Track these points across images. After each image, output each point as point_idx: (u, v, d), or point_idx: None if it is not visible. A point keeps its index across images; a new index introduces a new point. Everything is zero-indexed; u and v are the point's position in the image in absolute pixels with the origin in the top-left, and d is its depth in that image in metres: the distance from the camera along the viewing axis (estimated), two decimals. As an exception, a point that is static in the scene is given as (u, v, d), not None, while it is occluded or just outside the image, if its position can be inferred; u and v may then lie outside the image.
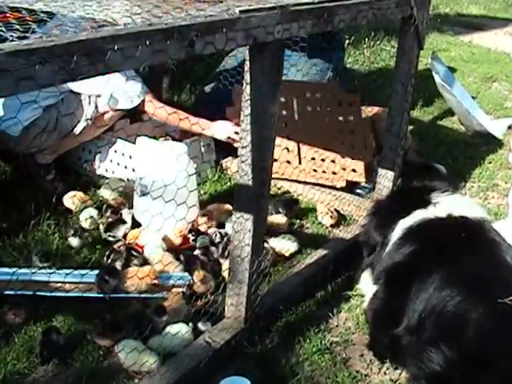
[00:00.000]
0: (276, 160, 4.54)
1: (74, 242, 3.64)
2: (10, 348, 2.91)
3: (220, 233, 3.78)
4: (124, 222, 3.84)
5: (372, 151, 4.41)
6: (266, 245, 3.67)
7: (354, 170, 4.43)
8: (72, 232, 3.65)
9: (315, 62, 5.38)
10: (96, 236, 3.81)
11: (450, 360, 2.43)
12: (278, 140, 4.41)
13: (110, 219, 3.87)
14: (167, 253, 3.57)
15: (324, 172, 4.49)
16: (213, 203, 4.16)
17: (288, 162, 4.59)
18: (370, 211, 3.46)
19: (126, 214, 3.89)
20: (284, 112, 4.47)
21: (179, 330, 3.01)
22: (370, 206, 3.67)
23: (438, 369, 2.46)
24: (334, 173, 4.46)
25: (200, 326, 3.08)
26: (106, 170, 4.47)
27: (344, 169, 4.45)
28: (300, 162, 4.57)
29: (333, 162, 4.48)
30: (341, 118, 4.35)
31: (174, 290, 3.31)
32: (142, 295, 3.29)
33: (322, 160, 4.49)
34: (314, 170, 4.53)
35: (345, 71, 6.23)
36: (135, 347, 2.82)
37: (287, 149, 4.56)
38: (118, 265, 3.43)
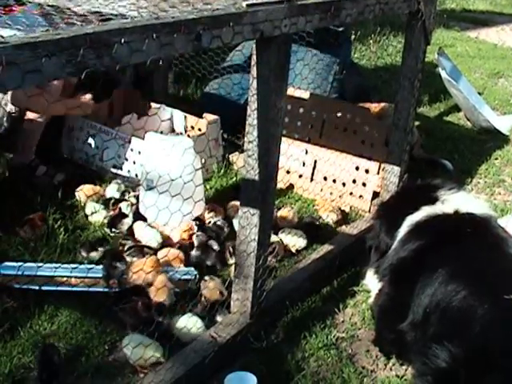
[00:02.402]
0: (288, 172, 4.57)
1: (94, 254, 3.53)
2: (15, 342, 2.91)
3: (215, 223, 3.80)
4: (126, 216, 3.84)
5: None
6: (276, 238, 3.69)
7: (360, 196, 4.38)
8: (89, 246, 3.57)
9: (322, 57, 5.37)
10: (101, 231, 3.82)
11: (455, 356, 2.42)
12: (297, 152, 4.51)
13: (111, 213, 3.89)
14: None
15: (331, 194, 4.47)
16: (219, 198, 4.17)
17: (300, 175, 4.57)
18: (377, 214, 3.43)
19: (124, 207, 3.90)
20: (310, 126, 4.71)
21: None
22: (376, 208, 3.64)
23: (444, 365, 2.45)
24: (340, 196, 4.44)
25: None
26: (115, 166, 4.46)
27: (351, 193, 4.41)
28: (312, 179, 4.55)
29: (343, 184, 4.44)
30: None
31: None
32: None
33: (333, 181, 4.47)
34: (321, 190, 4.51)
35: (352, 66, 6.21)
36: (141, 342, 2.82)
37: (304, 163, 4.55)
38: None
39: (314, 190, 4.48)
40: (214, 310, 3.10)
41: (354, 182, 4.37)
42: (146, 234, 3.69)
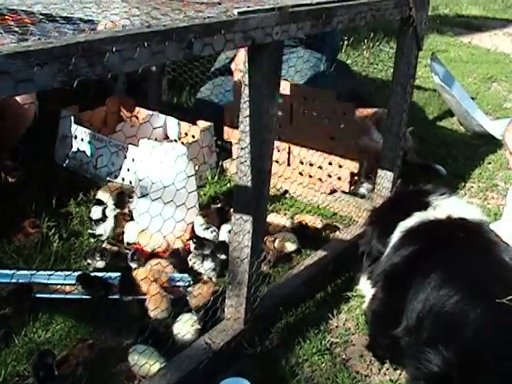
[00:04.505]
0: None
1: (100, 264, 3.52)
2: (10, 350, 2.91)
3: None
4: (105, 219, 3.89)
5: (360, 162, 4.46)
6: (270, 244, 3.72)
7: (339, 178, 4.46)
8: (97, 255, 3.54)
9: (307, 58, 5.32)
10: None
11: (448, 360, 2.43)
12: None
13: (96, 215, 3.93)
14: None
15: (310, 177, 4.53)
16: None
17: (277, 161, 4.59)
18: (369, 219, 3.44)
19: (109, 211, 3.92)
20: (280, 113, 4.55)
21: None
22: (368, 214, 3.65)
23: (437, 369, 2.46)
24: (319, 179, 4.51)
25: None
26: (109, 174, 4.46)
27: (330, 175, 4.48)
28: (289, 164, 4.60)
29: (319, 168, 4.51)
30: (333, 124, 4.45)
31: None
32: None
33: (310, 165, 4.52)
34: (300, 174, 4.56)
35: (347, 70, 6.22)
36: (144, 350, 2.82)
37: (277, 149, 4.57)
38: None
39: (292, 175, 4.55)
40: (207, 316, 3.10)
41: (330, 164, 4.45)
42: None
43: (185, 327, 3.02)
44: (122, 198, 4.10)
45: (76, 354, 2.82)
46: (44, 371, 2.72)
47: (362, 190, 4.58)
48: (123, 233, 3.84)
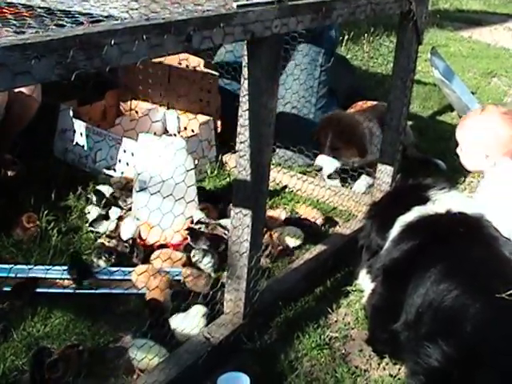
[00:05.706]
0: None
1: (101, 263, 3.50)
2: (8, 344, 2.91)
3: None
4: (107, 218, 3.87)
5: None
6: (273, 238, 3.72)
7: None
8: (100, 254, 3.52)
9: (306, 52, 5.25)
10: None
11: (447, 355, 2.43)
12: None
13: (96, 213, 3.92)
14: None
15: None
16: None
17: None
18: (369, 213, 3.43)
19: (112, 212, 3.91)
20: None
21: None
22: (367, 207, 3.65)
23: (436, 364, 2.45)
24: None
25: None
26: (107, 167, 4.44)
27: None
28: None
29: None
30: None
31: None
32: (127, 291, 3.30)
33: None
34: None
35: (347, 65, 6.20)
36: (145, 343, 2.81)
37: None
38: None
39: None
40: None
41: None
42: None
43: (185, 321, 3.02)
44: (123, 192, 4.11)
45: (65, 359, 2.78)
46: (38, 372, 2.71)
47: (319, 162, 4.62)
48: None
